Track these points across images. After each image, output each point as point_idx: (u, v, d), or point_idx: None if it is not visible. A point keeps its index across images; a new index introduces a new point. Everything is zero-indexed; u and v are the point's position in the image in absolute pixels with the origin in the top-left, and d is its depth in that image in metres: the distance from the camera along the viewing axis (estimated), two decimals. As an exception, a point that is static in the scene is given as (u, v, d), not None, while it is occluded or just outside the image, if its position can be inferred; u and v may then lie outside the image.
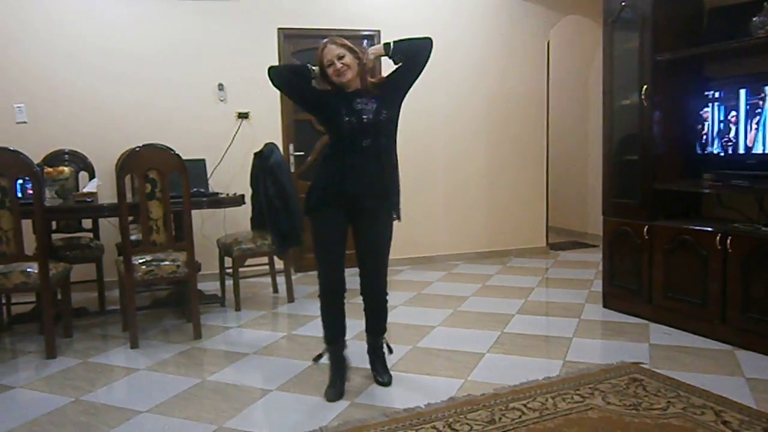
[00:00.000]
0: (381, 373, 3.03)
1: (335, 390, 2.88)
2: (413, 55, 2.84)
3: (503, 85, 6.20)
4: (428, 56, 2.85)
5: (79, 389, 3.05)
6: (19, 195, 3.55)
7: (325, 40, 2.82)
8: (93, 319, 4.31)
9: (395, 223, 2.99)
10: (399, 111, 2.89)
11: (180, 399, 2.91)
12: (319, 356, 3.12)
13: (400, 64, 2.87)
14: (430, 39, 2.85)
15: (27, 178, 3.54)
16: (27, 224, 3.54)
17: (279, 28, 5.47)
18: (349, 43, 2.81)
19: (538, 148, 6.41)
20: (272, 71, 2.85)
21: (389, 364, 3.14)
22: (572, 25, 6.93)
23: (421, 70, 2.87)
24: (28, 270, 3.48)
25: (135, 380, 3.20)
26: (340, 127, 2.77)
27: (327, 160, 2.90)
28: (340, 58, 2.76)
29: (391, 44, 2.84)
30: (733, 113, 3.56)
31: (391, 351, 3.16)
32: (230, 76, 5.37)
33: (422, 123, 5.84)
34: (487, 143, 6.21)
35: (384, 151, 2.84)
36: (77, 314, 4.20)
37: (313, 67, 2.84)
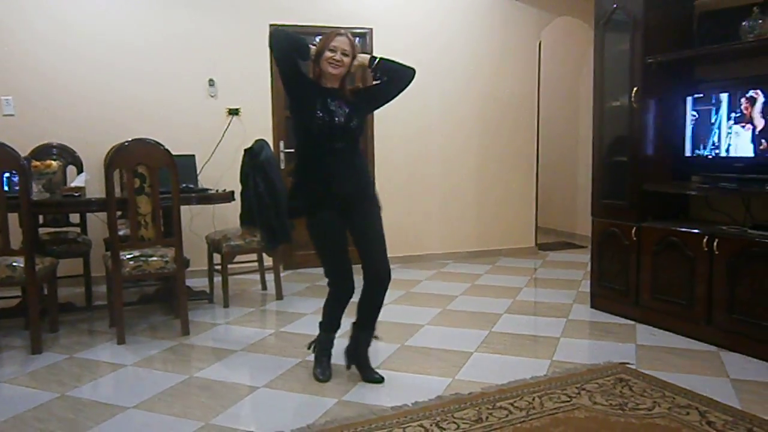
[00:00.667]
0: (371, 371, 3.03)
1: (325, 370, 3.02)
2: (394, 78, 2.88)
3: (495, 86, 6.21)
4: (407, 84, 2.90)
5: (64, 385, 3.03)
6: (6, 189, 3.51)
7: (341, 32, 2.83)
8: (79, 314, 4.28)
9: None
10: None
11: (167, 395, 2.89)
12: (313, 343, 3.15)
13: (378, 81, 2.91)
14: (414, 70, 2.89)
15: (14, 171, 3.51)
16: (13, 218, 3.50)
17: (271, 25, 5.44)
18: (357, 49, 2.86)
19: (529, 148, 6.43)
20: (276, 36, 2.79)
21: (378, 360, 3.16)
22: (564, 26, 6.96)
23: (397, 95, 2.92)
24: (14, 264, 3.44)
25: (121, 376, 3.19)
26: (311, 121, 2.79)
27: (305, 163, 2.90)
28: (344, 54, 2.79)
29: (377, 59, 2.87)
30: (722, 116, 3.59)
31: (376, 338, 3.19)
32: (221, 71, 5.35)
33: (414, 123, 5.83)
34: (478, 143, 6.22)
35: (357, 153, 2.92)
36: (63, 309, 4.16)
37: (312, 45, 2.84)
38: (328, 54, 2.79)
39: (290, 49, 2.81)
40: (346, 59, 2.80)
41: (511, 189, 6.38)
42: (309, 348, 3.18)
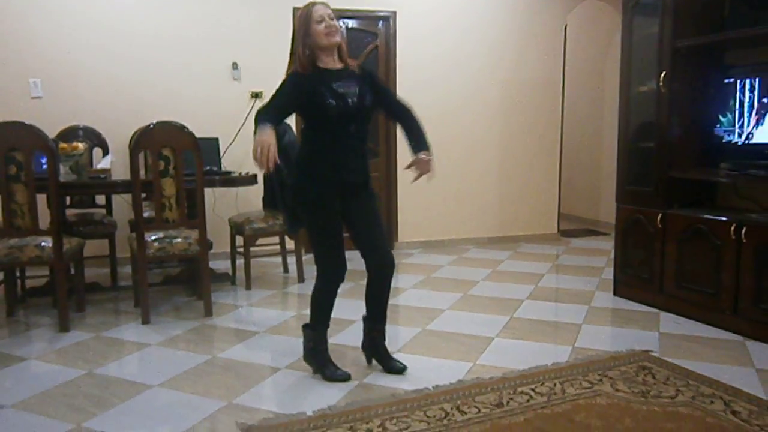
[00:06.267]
0: (393, 362, 2.93)
1: (337, 369, 2.85)
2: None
3: (519, 70, 6.14)
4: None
5: (91, 362, 3.10)
6: (34, 169, 3.56)
7: (316, 2, 2.67)
8: (105, 294, 4.36)
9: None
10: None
11: (190, 375, 2.94)
12: (308, 351, 2.94)
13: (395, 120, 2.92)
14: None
15: (42, 152, 3.56)
16: (41, 199, 3.56)
17: (294, 7, 5.43)
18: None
19: (553, 134, 6.36)
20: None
21: (398, 344, 3.16)
22: (590, 9, 6.85)
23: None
24: (43, 244, 3.51)
25: (146, 355, 3.24)
26: (325, 111, 2.63)
27: (316, 150, 2.73)
28: (331, 17, 2.65)
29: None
30: (753, 102, 3.51)
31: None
32: (244, 55, 5.36)
33: (437, 107, 5.79)
34: (501, 128, 6.17)
35: (365, 138, 2.80)
36: (90, 289, 4.24)
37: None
38: (317, 28, 2.61)
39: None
40: (336, 22, 2.65)
41: (533, 175, 6.33)
42: (306, 359, 2.95)
